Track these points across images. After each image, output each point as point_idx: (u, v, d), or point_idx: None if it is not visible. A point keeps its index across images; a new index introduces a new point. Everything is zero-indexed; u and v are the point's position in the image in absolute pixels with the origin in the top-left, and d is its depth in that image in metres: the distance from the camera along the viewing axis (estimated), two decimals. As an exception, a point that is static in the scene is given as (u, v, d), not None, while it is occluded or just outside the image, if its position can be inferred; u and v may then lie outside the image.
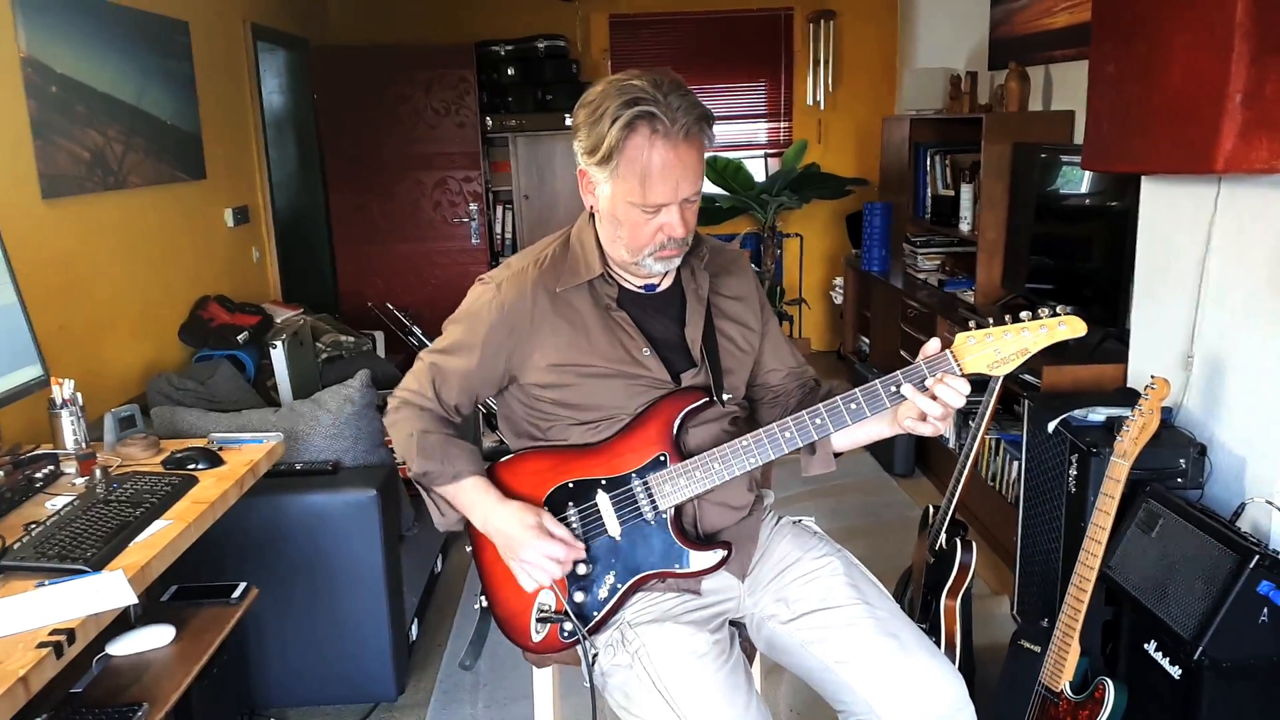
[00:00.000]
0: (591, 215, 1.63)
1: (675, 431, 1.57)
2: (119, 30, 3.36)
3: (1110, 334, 2.95)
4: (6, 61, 2.73)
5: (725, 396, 1.64)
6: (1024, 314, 1.42)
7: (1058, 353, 1.71)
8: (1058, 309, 1.42)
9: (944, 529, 2.43)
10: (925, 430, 1.48)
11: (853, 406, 1.48)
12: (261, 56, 4.79)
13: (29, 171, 2.80)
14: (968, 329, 1.45)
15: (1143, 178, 2.67)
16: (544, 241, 1.68)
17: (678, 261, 1.59)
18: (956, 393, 1.42)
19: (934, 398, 1.43)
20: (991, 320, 1.44)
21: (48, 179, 2.87)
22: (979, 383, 1.65)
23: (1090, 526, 2.07)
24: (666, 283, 1.65)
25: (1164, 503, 2.11)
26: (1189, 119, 2.09)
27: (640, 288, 1.64)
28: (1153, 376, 2.02)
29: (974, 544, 2.40)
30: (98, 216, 3.18)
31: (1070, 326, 1.41)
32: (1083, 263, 3.33)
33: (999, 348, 1.42)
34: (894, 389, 1.46)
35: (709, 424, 1.63)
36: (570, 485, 1.60)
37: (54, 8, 2.96)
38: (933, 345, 1.46)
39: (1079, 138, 3.47)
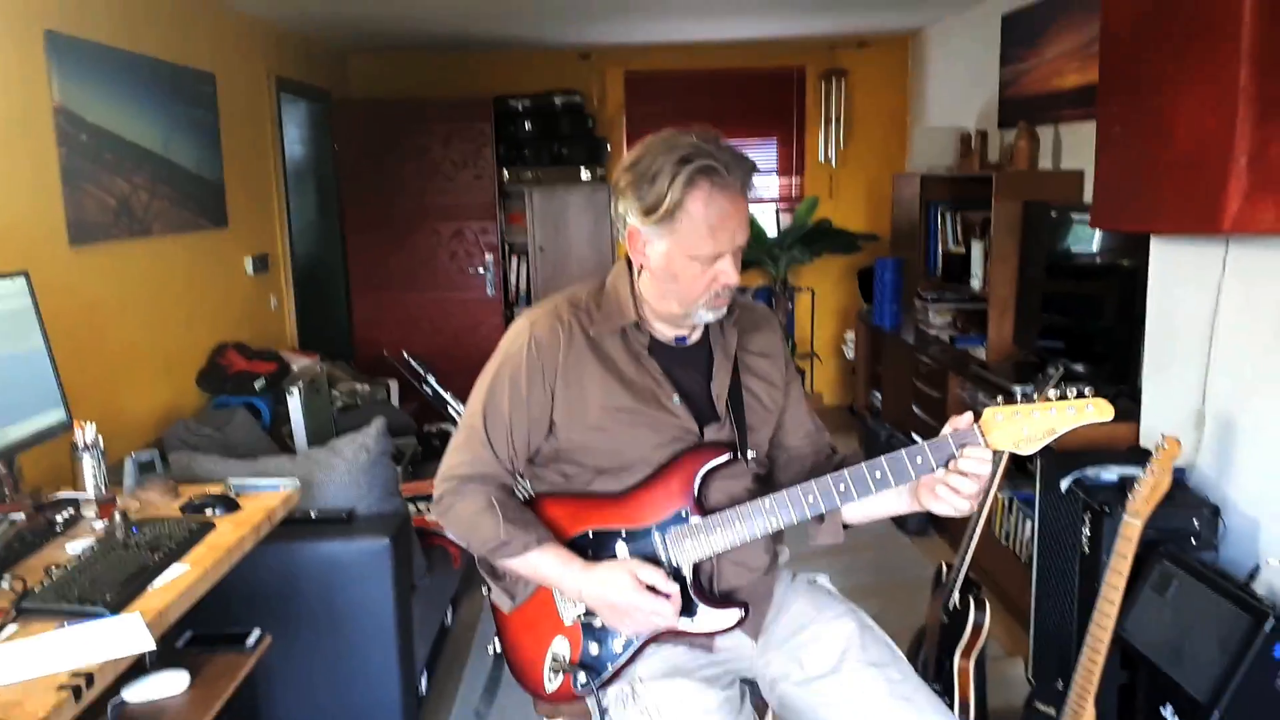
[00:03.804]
0: (628, 268, 1.63)
1: (697, 487, 1.57)
2: (148, 81, 3.45)
3: (1122, 391, 2.95)
4: (40, 111, 2.81)
5: (750, 454, 1.64)
6: (1052, 392, 1.42)
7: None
8: (1085, 390, 1.42)
9: (957, 588, 2.42)
10: (962, 507, 1.45)
11: (877, 475, 1.47)
12: (284, 107, 4.89)
13: (58, 218, 2.86)
14: (996, 403, 1.45)
15: (1152, 237, 2.70)
16: (578, 286, 1.68)
17: (724, 310, 1.59)
18: (979, 462, 1.42)
19: (962, 473, 1.43)
20: (1020, 396, 1.44)
21: (75, 226, 2.93)
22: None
23: (1104, 587, 2.06)
24: (695, 335, 1.66)
25: (1178, 564, 2.10)
26: (1195, 179, 2.12)
27: (671, 340, 1.65)
28: (1163, 435, 2.02)
29: (987, 604, 2.38)
30: (122, 263, 3.24)
31: (1098, 410, 1.41)
32: (1094, 320, 3.34)
33: (1026, 426, 1.42)
34: (919, 459, 1.45)
35: (731, 480, 1.62)
36: (590, 535, 1.60)
37: (88, 59, 3.05)
38: (965, 419, 1.45)
39: (1089, 196, 3.51)
